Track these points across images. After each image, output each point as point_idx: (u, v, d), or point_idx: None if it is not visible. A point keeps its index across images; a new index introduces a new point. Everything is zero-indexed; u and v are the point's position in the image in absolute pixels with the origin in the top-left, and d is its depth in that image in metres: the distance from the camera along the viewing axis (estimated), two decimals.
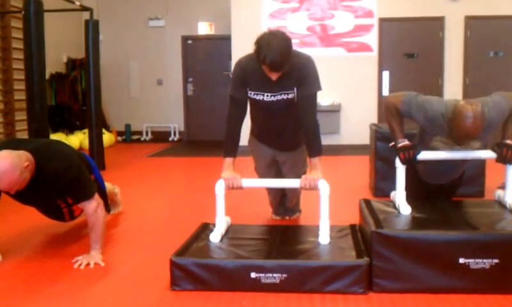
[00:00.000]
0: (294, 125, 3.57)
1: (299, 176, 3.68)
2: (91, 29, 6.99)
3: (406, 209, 3.22)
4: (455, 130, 3.17)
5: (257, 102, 3.46)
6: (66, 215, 3.74)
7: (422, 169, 3.75)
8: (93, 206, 3.31)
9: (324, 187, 3.21)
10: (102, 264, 3.28)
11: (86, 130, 7.68)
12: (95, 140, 7.07)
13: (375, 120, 8.96)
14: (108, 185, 4.23)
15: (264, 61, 3.13)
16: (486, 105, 3.22)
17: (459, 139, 3.23)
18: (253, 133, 3.92)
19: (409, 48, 9.26)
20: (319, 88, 3.41)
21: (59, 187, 3.25)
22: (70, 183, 3.23)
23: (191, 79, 11.27)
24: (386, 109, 3.52)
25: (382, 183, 4.95)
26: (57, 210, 3.67)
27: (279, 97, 3.40)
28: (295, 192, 4.10)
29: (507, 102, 3.34)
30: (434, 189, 3.85)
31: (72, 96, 10.28)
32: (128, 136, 11.28)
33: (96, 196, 3.37)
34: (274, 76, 3.24)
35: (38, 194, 3.29)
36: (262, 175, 4.02)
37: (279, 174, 4.02)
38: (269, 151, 3.89)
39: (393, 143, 3.45)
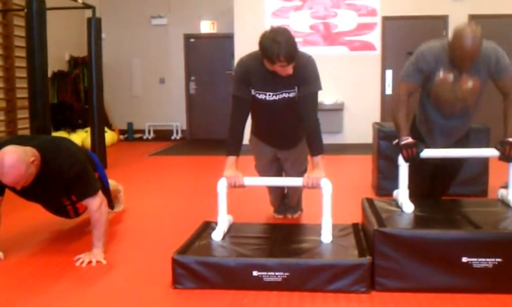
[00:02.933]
0: (295, 124, 3.57)
1: (300, 173, 3.69)
2: (94, 27, 6.98)
3: (408, 208, 3.21)
4: (455, 52, 3.25)
5: (259, 101, 3.46)
6: (70, 212, 3.75)
7: (425, 131, 3.74)
8: (96, 204, 3.31)
9: (326, 186, 3.20)
10: (104, 262, 3.28)
11: (88, 129, 7.68)
12: (97, 138, 7.07)
13: (378, 119, 8.93)
14: (112, 183, 4.23)
15: (278, 58, 3.11)
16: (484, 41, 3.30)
17: (459, 61, 3.28)
18: (254, 132, 3.91)
19: (413, 47, 9.02)
20: (320, 88, 3.41)
21: (64, 183, 3.25)
22: (74, 179, 3.23)
23: (193, 78, 11.27)
24: (395, 99, 3.54)
25: (385, 182, 4.94)
26: (61, 207, 3.67)
27: (280, 96, 3.40)
28: (296, 190, 4.10)
29: (505, 55, 3.42)
30: (435, 174, 3.83)
31: (74, 94, 10.28)
32: (130, 135, 11.28)
33: (100, 193, 3.37)
34: (290, 70, 3.20)
35: (43, 191, 3.30)
36: (263, 174, 4.02)
37: (280, 173, 4.02)
38: (271, 149, 3.89)
39: (396, 141, 3.44)
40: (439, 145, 3.65)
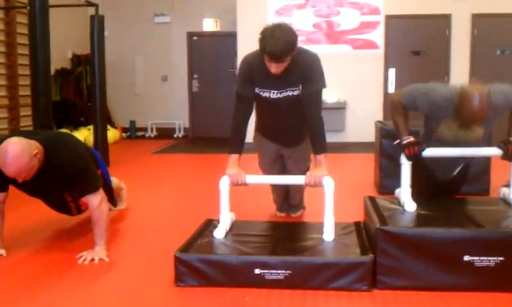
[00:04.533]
0: (299, 121, 3.57)
1: (303, 171, 3.69)
2: (97, 24, 6.99)
3: (410, 206, 3.21)
4: (461, 113, 3.16)
5: (263, 99, 3.46)
6: (73, 209, 3.75)
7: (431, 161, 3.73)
8: (96, 201, 3.30)
9: (328, 184, 3.20)
10: (107, 259, 3.28)
11: (91, 126, 7.69)
12: (100, 136, 7.07)
13: (380, 117, 8.91)
14: (114, 180, 4.23)
15: (264, 50, 3.14)
16: (492, 90, 3.20)
17: (465, 122, 3.20)
18: (258, 129, 3.91)
19: (416, 46, 9.22)
20: (324, 86, 3.41)
21: (66, 178, 3.25)
22: (76, 175, 3.23)
23: (196, 76, 11.27)
24: (392, 105, 3.53)
25: (387, 181, 4.93)
26: (63, 203, 3.68)
27: (285, 94, 3.40)
28: (298, 188, 4.09)
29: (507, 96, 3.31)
30: (439, 185, 3.82)
31: (76, 92, 10.29)
32: (133, 133, 11.29)
33: (101, 190, 3.37)
34: (273, 68, 3.21)
35: (45, 185, 3.30)
36: (266, 171, 4.02)
37: (283, 170, 4.02)
38: (274, 146, 3.89)
39: (398, 141, 3.44)
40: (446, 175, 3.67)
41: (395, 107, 3.48)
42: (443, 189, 3.85)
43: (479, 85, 3.16)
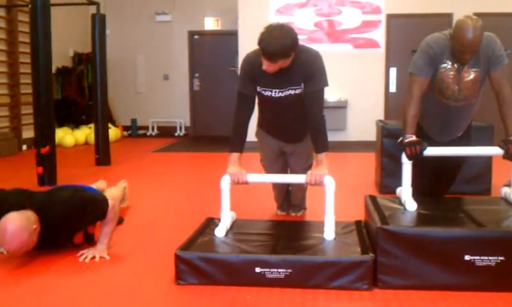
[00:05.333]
0: (301, 119, 3.57)
1: (305, 168, 3.69)
2: (98, 23, 7.00)
3: (411, 205, 3.21)
4: (456, 44, 3.27)
5: (265, 97, 3.46)
6: (68, 246, 3.72)
7: (427, 126, 3.73)
8: (111, 207, 3.36)
9: (329, 183, 3.20)
10: (107, 258, 3.29)
11: (92, 125, 7.70)
12: (101, 134, 7.09)
13: (381, 117, 8.93)
14: (114, 191, 4.24)
15: (259, 45, 3.15)
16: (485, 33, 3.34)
17: (460, 53, 3.29)
18: (261, 125, 3.91)
19: (417, 45, 9.08)
20: (326, 84, 3.41)
21: (73, 226, 3.32)
22: (82, 217, 3.29)
23: (197, 74, 11.28)
24: (408, 96, 3.47)
25: (388, 180, 4.93)
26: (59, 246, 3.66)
27: (287, 93, 3.40)
28: (300, 187, 4.09)
29: (502, 47, 3.46)
30: (437, 171, 3.82)
31: (78, 90, 10.31)
32: (134, 131, 11.31)
33: (110, 200, 3.39)
34: (265, 65, 3.21)
35: (48, 241, 3.30)
36: (268, 167, 4.01)
37: (285, 166, 4.02)
38: (277, 142, 3.88)
39: (400, 139, 3.43)
40: (443, 138, 3.64)
41: (409, 99, 3.44)
42: (440, 176, 3.86)
43: (473, 17, 3.29)
